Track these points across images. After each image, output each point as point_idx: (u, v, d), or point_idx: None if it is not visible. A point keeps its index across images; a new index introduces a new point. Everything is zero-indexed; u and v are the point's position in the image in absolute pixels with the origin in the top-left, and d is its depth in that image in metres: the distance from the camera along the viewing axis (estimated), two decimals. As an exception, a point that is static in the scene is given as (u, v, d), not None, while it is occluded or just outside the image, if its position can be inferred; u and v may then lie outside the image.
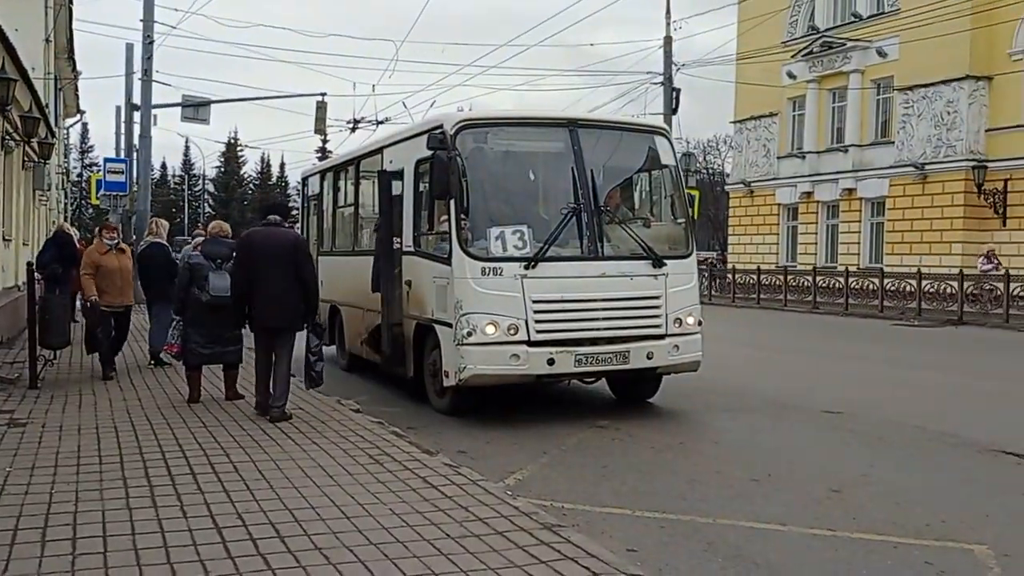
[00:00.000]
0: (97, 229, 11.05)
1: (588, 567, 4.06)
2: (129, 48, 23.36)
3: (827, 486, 6.02)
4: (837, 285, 25.71)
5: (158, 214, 15.84)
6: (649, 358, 8.21)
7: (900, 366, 12.85)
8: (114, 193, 23.53)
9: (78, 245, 12.97)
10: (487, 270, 7.82)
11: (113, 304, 9.99)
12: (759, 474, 6.35)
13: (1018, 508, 5.59)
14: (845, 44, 29.93)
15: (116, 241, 10.20)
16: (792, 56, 31.75)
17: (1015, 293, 20.93)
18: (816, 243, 31.67)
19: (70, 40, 23.28)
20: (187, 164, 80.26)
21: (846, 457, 6.99)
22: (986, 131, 26.40)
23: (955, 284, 21.92)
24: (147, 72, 21.54)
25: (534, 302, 7.82)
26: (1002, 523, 5.26)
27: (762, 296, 27.92)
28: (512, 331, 7.77)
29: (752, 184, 34.43)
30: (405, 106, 54.75)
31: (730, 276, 30.61)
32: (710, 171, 57.76)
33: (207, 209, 75.71)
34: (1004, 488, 6.06)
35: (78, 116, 35.17)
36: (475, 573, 3.98)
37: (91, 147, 75.91)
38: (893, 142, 28.63)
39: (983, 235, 26.14)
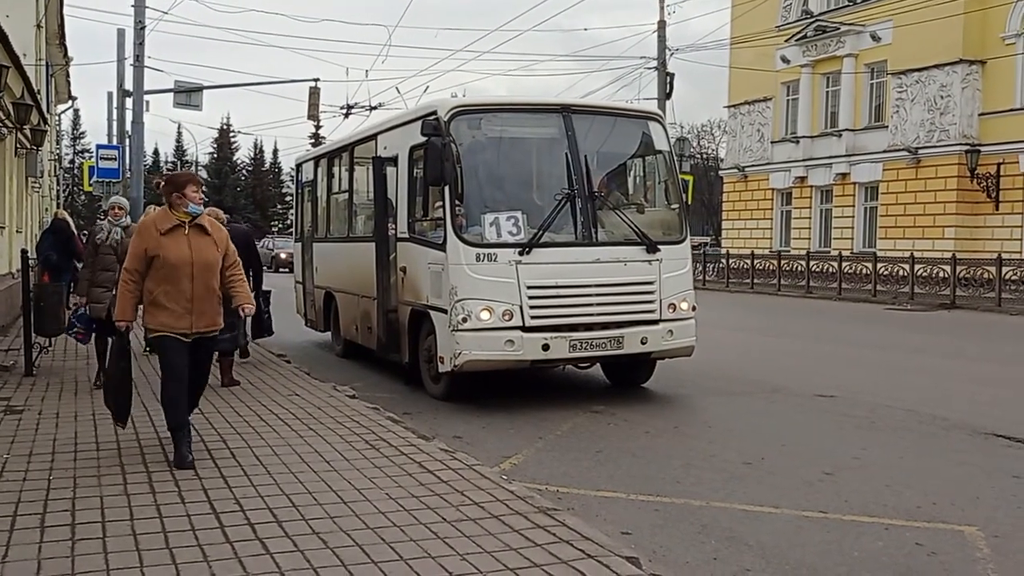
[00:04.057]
0: (158, 183, 6.18)
1: (583, 550, 4.10)
2: (120, 34, 23.22)
3: (820, 469, 6.08)
4: (830, 270, 25.80)
5: (151, 201, 15.74)
6: (643, 343, 8.25)
7: (893, 350, 12.92)
8: (107, 180, 23.48)
9: (74, 232, 12.73)
10: (482, 256, 7.84)
11: (175, 328, 5.60)
12: (752, 457, 6.40)
13: (1008, 490, 5.64)
14: (839, 28, 29.91)
15: (199, 211, 5.79)
16: (786, 40, 31.71)
17: (1007, 277, 21.05)
18: (810, 228, 31.74)
19: (61, 26, 23.10)
20: (180, 150, 79.85)
21: (838, 440, 7.05)
22: (979, 115, 26.45)
23: (948, 268, 22.05)
24: (139, 58, 21.41)
25: (528, 288, 7.84)
26: (992, 505, 5.32)
27: (756, 281, 28.02)
28: (507, 317, 7.80)
29: (746, 169, 34.45)
30: (399, 91, 54.28)
31: (724, 261, 30.67)
32: (704, 156, 57.73)
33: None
34: (995, 471, 6.12)
35: (70, 102, 34.95)
36: (471, 556, 4.02)
37: (83, 133, 75.48)
38: (887, 126, 28.67)
39: (976, 219, 26.26)
